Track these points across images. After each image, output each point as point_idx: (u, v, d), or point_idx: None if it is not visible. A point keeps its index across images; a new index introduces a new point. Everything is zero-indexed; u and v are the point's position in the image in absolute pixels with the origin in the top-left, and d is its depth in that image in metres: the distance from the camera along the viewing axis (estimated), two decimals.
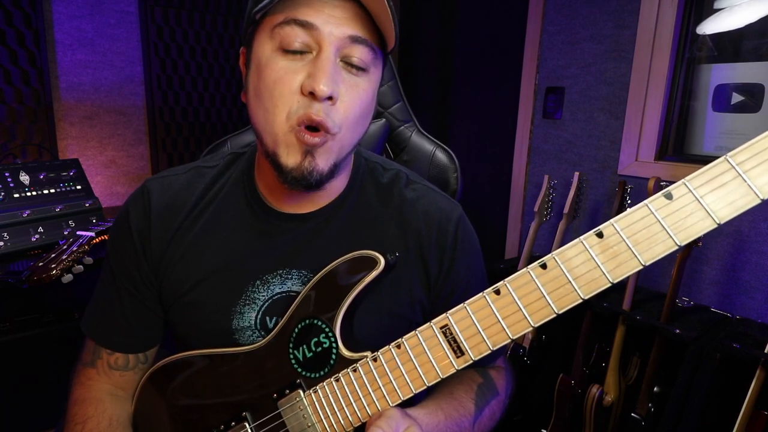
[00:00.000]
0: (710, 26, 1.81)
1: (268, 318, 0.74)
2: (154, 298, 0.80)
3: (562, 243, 1.90)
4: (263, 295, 0.75)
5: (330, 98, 0.64)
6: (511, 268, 2.05)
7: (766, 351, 1.42)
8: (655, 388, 1.69)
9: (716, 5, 1.79)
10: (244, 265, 0.75)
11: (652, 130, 1.90)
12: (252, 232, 0.76)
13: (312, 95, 0.63)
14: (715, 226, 0.50)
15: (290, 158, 0.66)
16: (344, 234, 0.76)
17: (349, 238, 0.76)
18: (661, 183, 1.58)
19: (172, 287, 0.77)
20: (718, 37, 1.81)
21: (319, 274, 0.70)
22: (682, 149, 1.93)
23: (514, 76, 2.30)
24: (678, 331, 1.58)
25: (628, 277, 1.72)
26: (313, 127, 0.64)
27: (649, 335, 1.69)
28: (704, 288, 1.81)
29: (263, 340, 0.72)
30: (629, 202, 1.69)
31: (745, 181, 0.49)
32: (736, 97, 1.78)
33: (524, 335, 2.00)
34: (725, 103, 1.81)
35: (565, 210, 1.89)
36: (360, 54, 0.65)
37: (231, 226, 0.77)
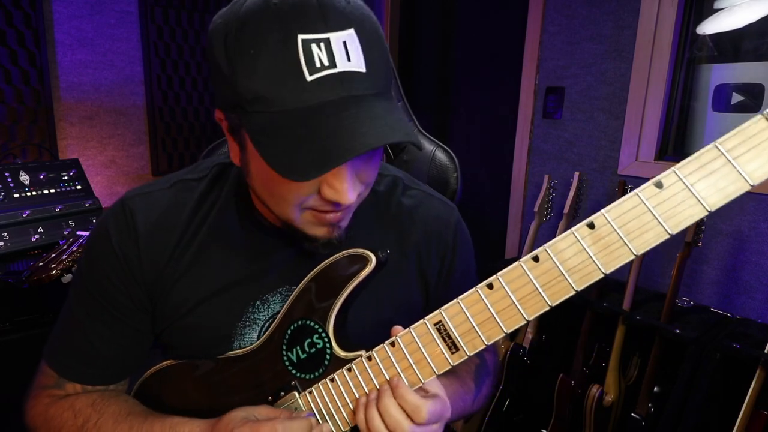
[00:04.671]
0: (710, 26, 1.81)
1: None
2: (144, 321, 0.75)
3: None
4: (264, 315, 0.73)
5: None
6: None
7: (766, 351, 1.42)
8: (655, 388, 1.69)
9: (716, 5, 1.79)
10: (243, 286, 0.73)
11: (652, 130, 1.90)
12: (249, 250, 0.73)
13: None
14: (706, 213, 0.50)
15: (316, 231, 0.65)
16: (343, 246, 0.74)
17: (348, 249, 0.75)
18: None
19: (167, 312, 0.73)
20: (718, 37, 1.81)
21: (311, 273, 0.69)
22: (682, 149, 1.93)
23: (514, 76, 2.30)
24: (678, 331, 1.58)
25: (628, 277, 1.73)
26: None
27: (649, 335, 1.69)
28: (704, 288, 1.81)
29: (257, 343, 0.71)
30: None
31: (735, 168, 0.49)
32: (736, 97, 1.78)
33: (524, 335, 2.00)
34: (725, 103, 1.81)
35: (565, 210, 1.89)
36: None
37: (227, 245, 0.73)
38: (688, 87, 1.89)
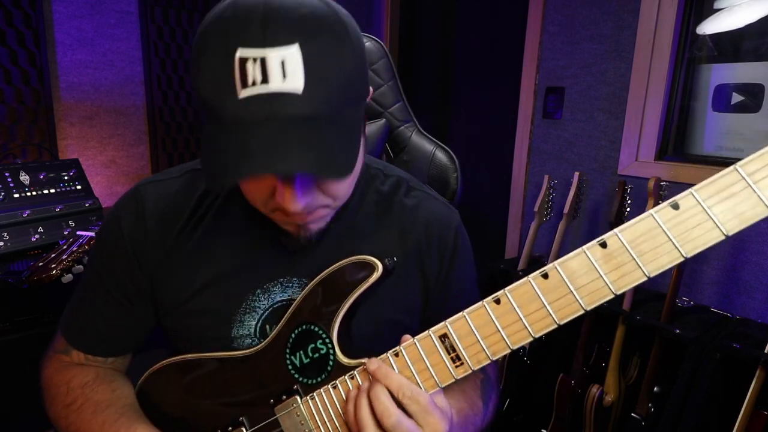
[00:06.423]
0: (710, 26, 1.81)
1: (268, 326, 0.74)
2: (146, 306, 0.78)
3: (562, 243, 1.90)
4: (263, 304, 0.74)
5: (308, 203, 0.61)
6: (511, 268, 2.05)
7: (766, 351, 1.42)
8: (655, 388, 1.69)
9: (716, 5, 1.79)
10: (245, 274, 0.74)
11: (652, 130, 1.90)
12: (251, 240, 0.75)
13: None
14: (723, 238, 0.48)
15: (287, 227, 0.67)
16: (345, 242, 0.75)
17: (350, 246, 0.75)
18: (662, 183, 1.58)
19: (169, 296, 0.75)
20: (718, 37, 1.81)
21: (316, 279, 0.69)
22: (682, 149, 1.93)
23: (514, 76, 2.30)
24: (678, 331, 1.58)
25: None
26: None
27: (649, 335, 1.69)
28: (704, 288, 1.81)
29: (261, 345, 0.71)
30: (629, 202, 1.69)
31: (755, 192, 0.47)
32: (736, 97, 1.78)
33: None
34: (725, 103, 1.81)
35: (565, 210, 1.89)
36: None
37: (230, 234, 0.75)
38: (688, 87, 1.89)
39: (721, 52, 1.82)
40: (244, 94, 0.52)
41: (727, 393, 1.55)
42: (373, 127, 1.19)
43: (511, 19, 2.35)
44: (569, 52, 2.09)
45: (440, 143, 1.20)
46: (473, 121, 2.65)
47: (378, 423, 0.60)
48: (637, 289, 1.74)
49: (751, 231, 1.68)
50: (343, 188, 0.65)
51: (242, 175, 0.53)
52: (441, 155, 1.18)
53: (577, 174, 1.90)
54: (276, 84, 0.52)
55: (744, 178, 0.47)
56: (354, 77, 0.58)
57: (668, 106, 1.89)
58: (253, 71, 0.52)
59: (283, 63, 0.52)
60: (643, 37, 1.86)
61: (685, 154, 1.90)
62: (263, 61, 0.52)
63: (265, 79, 0.52)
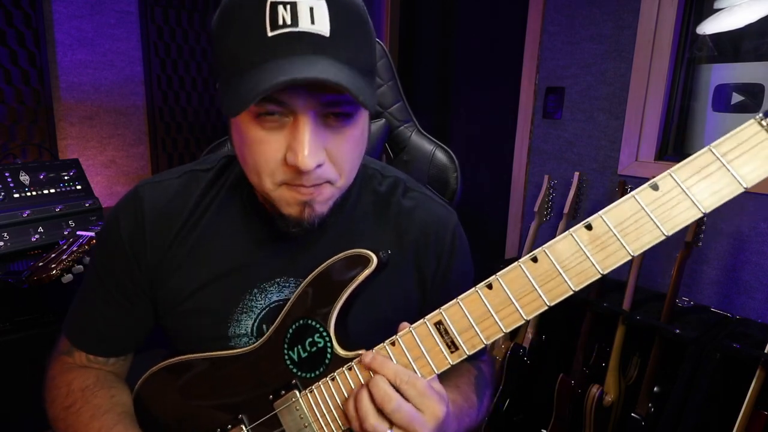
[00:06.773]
0: (710, 26, 1.81)
1: (264, 326, 0.74)
2: (146, 306, 0.78)
3: None
4: (260, 303, 0.75)
5: (318, 165, 0.60)
6: None
7: (766, 351, 1.42)
8: (655, 388, 1.69)
9: (716, 5, 1.79)
10: (242, 274, 0.75)
11: (652, 130, 1.90)
12: (249, 239, 0.75)
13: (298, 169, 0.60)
14: (701, 215, 0.52)
15: (290, 210, 0.65)
16: (341, 242, 0.75)
17: (346, 246, 0.75)
18: None
19: (168, 296, 0.76)
20: (718, 37, 1.81)
21: (313, 273, 0.70)
22: (682, 149, 1.93)
23: (514, 76, 2.31)
24: (678, 331, 1.58)
25: (628, 277, 1.73)
26: None
27: (649, 335, 1.69)
28: (704, 288, 1.81)
29: (258, 342, 0.72)
30: None
31: (729, 171, 0.50)
32: (736, 97, 1.78)
33: (524, 335, 2.00)
34: (725, 103, 1.81)
35: (565, 210, 1.89)
36: (340, 109, 0.61)
37: (228, 233, 0.75)
38: (688, 87, 1.89)
39: (721, 52, 1.82)
40: (273, 33, 0.56)
41: (727, 393, 1.55)
42: (372, 128, 1.19)
43: (511, 19, 2.35)
44: (569, 52, 2.09)
45: (440, 143, 1.20)
46: (473, 121, 2.65)
47: (378, 411, 0.60)
48: (637, 289, 1.74)
49: (751, 231, 1.68)
50: (350, 160, 0.65)
51: (275, 84, 0.53)
52: (441, 155, 1.18)
53: (577, 174, 1.90)
54: (305, 25, 0.56)
55: (718, 158, 0.51)
56: (370, 51, 0.62)
57: (668, 106, 1.89)
58: (284, 13, 0.56)
59: (311, 9, 0.56)
60: (643, 37, 1.86)
61: (685, 154, 1.90)
62: (293, 6, 0.56)
63: (294, 22, 0.56)
